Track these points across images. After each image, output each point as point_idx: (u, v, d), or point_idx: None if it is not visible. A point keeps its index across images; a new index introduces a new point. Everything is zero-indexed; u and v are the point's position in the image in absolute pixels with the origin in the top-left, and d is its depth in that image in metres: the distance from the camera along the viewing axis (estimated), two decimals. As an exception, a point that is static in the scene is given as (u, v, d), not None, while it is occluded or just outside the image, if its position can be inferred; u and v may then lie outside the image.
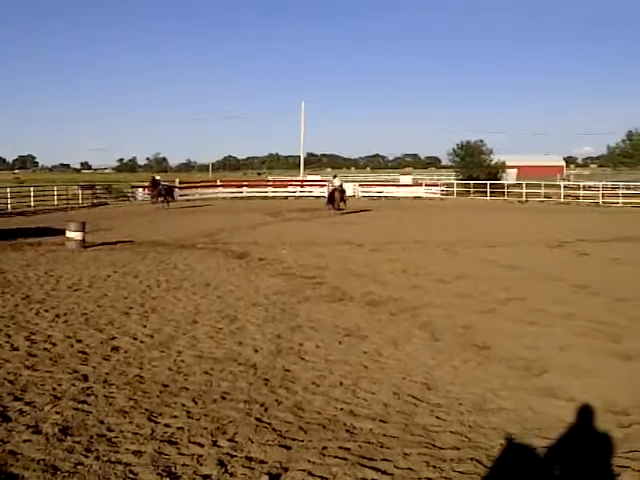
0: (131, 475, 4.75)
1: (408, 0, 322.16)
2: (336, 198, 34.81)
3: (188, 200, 45.54)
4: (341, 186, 36.04)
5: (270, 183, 57.86)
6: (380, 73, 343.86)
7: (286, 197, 49.80)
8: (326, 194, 36.99)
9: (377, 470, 4.89)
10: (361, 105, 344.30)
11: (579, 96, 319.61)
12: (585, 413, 6.07)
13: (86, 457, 5.00)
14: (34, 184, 45.52)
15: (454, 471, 4.90)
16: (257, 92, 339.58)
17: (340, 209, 34.43)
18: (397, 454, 5.18)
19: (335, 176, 38.53)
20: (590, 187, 49.45)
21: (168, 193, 38.66)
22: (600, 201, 42.95)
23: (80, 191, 42.24)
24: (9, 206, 35.53)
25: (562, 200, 45.26)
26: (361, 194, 51.01)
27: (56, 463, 4.89)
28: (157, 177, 39.93)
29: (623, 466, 4.97)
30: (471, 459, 5.10)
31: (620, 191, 43.89)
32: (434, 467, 4.98)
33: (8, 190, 37.81)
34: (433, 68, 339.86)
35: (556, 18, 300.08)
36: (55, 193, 40.10)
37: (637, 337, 8.93)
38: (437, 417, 6.02)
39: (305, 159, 72.34)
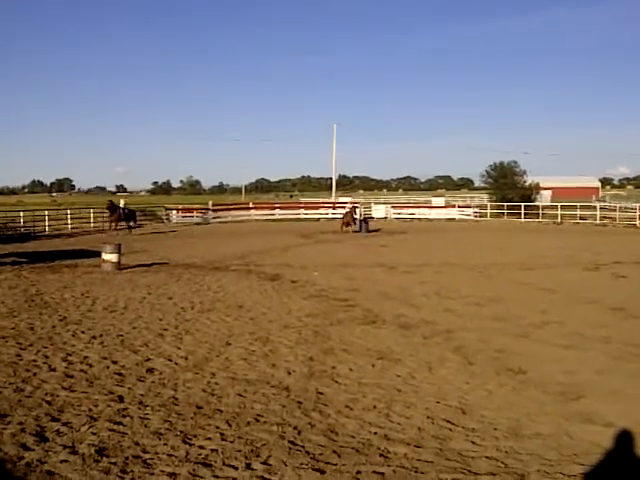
0: (166, 497, 4.79)
1: (439, 22, 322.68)
2: (345, 219, 36.73)
3: (221, 222, 45.95)
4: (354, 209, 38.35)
5: (302, 205, 58.01)
6: (411, 94, 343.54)
7: (318, 219, 49.90)
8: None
9: (411, 495, 4.87)
10: (393, 127, 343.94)
11: (613, 116, 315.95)
12: (623, 439, 5.97)
13: (122, 478, 5.06)
14: (71, 207, 46.24)
15: (490, 497, 4.86)
16: (289, 114, 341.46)
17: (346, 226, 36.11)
18: (432, 479, 5.15)
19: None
20: (627, 209, 48.72)
21: (129, 218, 36.44)
22: (637, 223, 42.23)
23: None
24: (47, 228, 36.14)
25: (598, 222, 44.66)
26: (393, 216, 50.93)
27: (92, 484, 4.95)
28: (122, 203, 38.53)
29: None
30: (507, 485, 5.05)
31: (658, 213, 43.06)
32: (469, 493, 4.94)
33: (46, 213, 38.54)
34: (464, 88, 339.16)
35: (592, 37, 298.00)
36: (92, 216, 40.71)
37: (676, 362, 8.78)
38: (472, 442, 5.96)
39: (337, 181, 72.53)
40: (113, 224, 35.19)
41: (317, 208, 54.86)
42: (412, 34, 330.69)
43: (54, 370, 8.22)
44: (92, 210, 42.12)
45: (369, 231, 35.66)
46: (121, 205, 37.23)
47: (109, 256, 18.72)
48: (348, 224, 35.93)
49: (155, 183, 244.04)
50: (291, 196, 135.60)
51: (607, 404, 7.07)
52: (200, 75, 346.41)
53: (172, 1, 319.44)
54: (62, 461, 5.36)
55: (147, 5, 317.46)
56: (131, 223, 36.53)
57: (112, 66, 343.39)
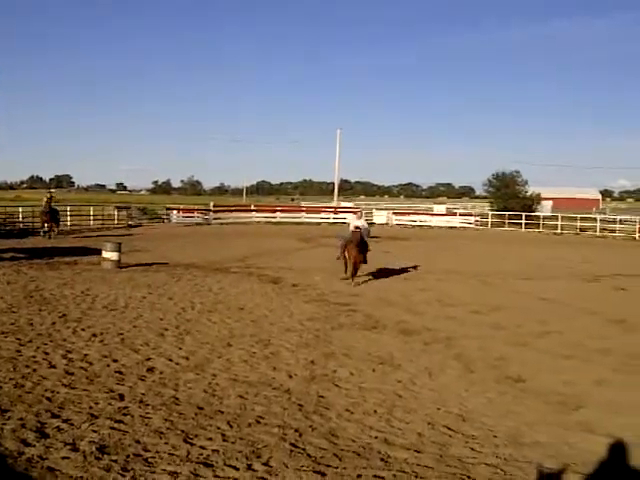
0: (167, 496, 4.81)
1: (444, 30, 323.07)
2: (350, 256, 17.79)
3: (222, 224, 45.86)
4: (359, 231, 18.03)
5: (304, 209, 57.99)
6: (415, 102, 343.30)
7: (319, 223, 49.86)
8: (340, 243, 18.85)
9: (412, 500, 4.88)
10: (396, 133, 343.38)
11: (614, 128, 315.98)
12: (621, 449, 5.98)
13: (123, 476, 5.08)
14: (70, 203, 46.00)
15: (490, 504, 4.87)
16: (291, 117, 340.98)
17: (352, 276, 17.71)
18: (432, 485, 5.16)
19: (359, 212, 22.88)
20: (627, 221, 48.68)
21: (53, 217, 31.27)
22: (637, 235, 42.27)
23: (116, 212, 42.81)
24: (46, 225, 35.94)
25: (598, 234, 44.69)
26: (395, 222, 50.91)
27: (93, 481, 4.96)
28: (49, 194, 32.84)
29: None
30: (507, 493, 5.06)
31: (657, 226, 43.01)
32: (469, 499, 4.95)
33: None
34: (468, 98, 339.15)
35: (595, 51, 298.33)
36: (91, 213, 40.62)
37: (675, 374, 8.81)
38: (472, 449, 5.99)
39: (338, 186, 72.54)
40: (46, 224, 30.96)
41: (319, 212, 54.79)
42: (415, 39, 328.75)
43: (54, 367, 8.23)
44: (92, 208, 42.06)
45: (370, 237, 35.41)
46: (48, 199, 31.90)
47: (109, 254, 18.73)
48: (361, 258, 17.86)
49: (155, 182, 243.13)
50: (292, 199, 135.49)
51: (606, 415, 7.10)
52: (202, 75, 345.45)
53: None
54: (63, 458, 5.38)
55: (149, 4, 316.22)
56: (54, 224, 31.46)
57: (115, 64, 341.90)
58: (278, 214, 52.11)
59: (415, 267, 21.33)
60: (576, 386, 8.21)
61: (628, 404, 7.48)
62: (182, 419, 6.46)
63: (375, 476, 5.28)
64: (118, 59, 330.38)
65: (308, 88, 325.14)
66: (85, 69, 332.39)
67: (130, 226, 38.63)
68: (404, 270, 20.42)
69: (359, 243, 17.66)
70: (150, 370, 8.28)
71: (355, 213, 20.70)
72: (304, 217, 52.04)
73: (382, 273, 19.63)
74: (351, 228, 18.25)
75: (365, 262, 18.06)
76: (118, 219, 41.69)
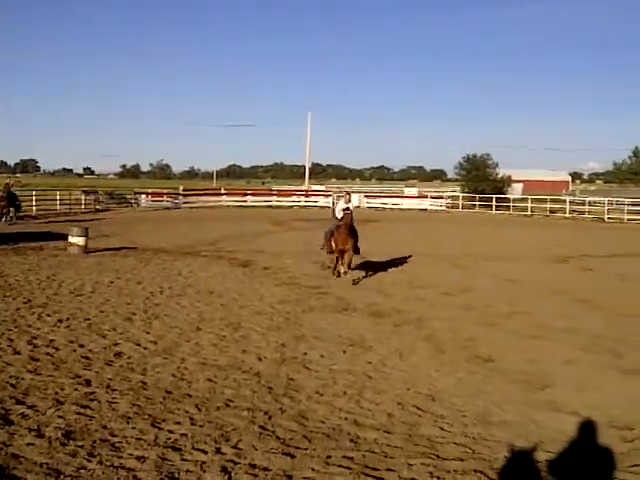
0: (135, 480, 4.75)
1: (418, 16, 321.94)
2: (339, 242, 15.40)
3: (191, 208, 45.55)
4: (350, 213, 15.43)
5: (275, 192, 57.82)
6: (386, 85, 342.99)
7: (291, 206, 49.77)
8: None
9: (381, 480, 4.89)
10: (367, 116, 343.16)
11: (584, 111, 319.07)
12: (588, 427, 6.04)
13: (89, 461, 5.00)
14: (36, 188, 45.12)
15: (458, 483, 4.90)
16: (263, 101, 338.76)
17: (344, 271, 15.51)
18: (401, 464, 5.18)
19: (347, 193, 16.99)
20: (595, 203, 49.33)
21: (12, 202, 30.24)
22: (605, 217, 42.85)
23: (83, 196, 42.23)
24: (4, 210, 35.20)
25: (567, 215, 45.18)
26: (366, 205, 50.93)
27: (59, 467, 4.89)
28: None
29: (626, 480, 4.98)
30: (475, 471, 5.10)
31: (625, 207, 43.62)
32: (438, 478, 5.00)
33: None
34: (439, 82, 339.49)
35: (565, 35, 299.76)
36: (58, 198, 39.97)
37: (639, 353, 8.95)
38: (441, 428, 6.02)
39: (310, 169, 72.43)
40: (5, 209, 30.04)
41: (290, 196, 54.70)
42: (387, 21, 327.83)
43: (19, 353, 8.07)
44: (58, 192, 41.38)
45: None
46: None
47: (76, 239, 18.44)
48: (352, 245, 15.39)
49: (123, 166, 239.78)
50: (263, 183, 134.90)
51: (572, 393, 7.20)
52: (173, 61, 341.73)
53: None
54: (28, 444, 5.27)
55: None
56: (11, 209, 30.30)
57: (83, 47, 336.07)
58: (249, 198, 51.92)
59: (386, 249, 21.32)
60: (543, 365, 8.30)
61: (594, 383, 7.58)
62: (150, 404, 6.38)
63: (344, 457, 5.27)
64: (87, 41, 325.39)
65: (279, 69, 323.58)
66: (53, 50, 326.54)
67: (98, 211, 38.14)
68: (375, 252, 20.38)
69: (349, 227, 15.27)
70: (117, 355, 8.17)
71: (344, 195, 16.77)
72: (275, 201, 51.89)
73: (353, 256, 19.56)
74: (338, 212, 15.69)
75: (357, 252, 15.77)
76: (85, 204, 41.14)
